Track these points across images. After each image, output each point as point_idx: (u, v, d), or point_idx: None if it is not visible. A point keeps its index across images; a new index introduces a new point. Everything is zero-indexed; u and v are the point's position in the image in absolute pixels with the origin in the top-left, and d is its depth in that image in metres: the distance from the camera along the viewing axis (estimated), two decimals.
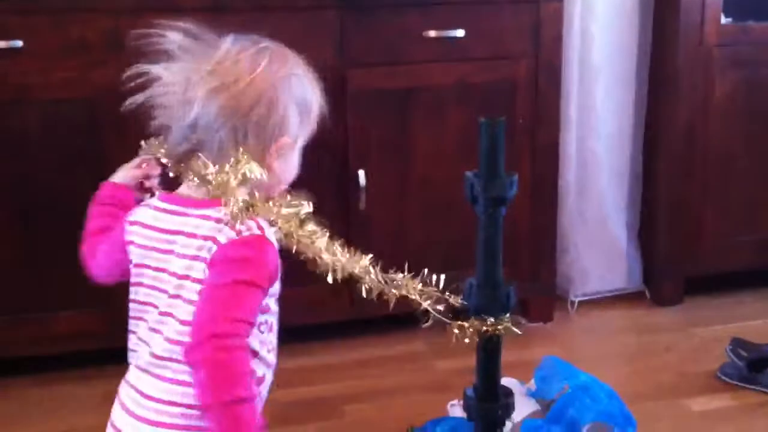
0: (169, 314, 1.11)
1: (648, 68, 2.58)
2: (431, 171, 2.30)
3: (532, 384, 1.93)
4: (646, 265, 2.67)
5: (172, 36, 1.17)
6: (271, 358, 1.20)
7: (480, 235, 1.12)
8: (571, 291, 2.62)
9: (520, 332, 1.11)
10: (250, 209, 1.07)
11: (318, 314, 2.29)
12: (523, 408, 1.82)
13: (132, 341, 1.16)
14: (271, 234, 1.11)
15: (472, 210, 1.19)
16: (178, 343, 1.10)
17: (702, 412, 2.04)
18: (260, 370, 1.16)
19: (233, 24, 2.05)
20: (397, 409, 2.05)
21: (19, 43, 1.99)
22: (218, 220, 1.10)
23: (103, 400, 2.04)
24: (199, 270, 1.09)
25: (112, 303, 2.14)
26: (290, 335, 2.46)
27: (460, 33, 2.23)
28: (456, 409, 1.88)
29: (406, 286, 1.12)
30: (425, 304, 1.12)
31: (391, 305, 1.12)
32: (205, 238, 1.09)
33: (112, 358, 2.17)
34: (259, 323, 1.14)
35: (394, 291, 1.12)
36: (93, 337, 2.17)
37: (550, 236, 2.47)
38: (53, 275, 2.13)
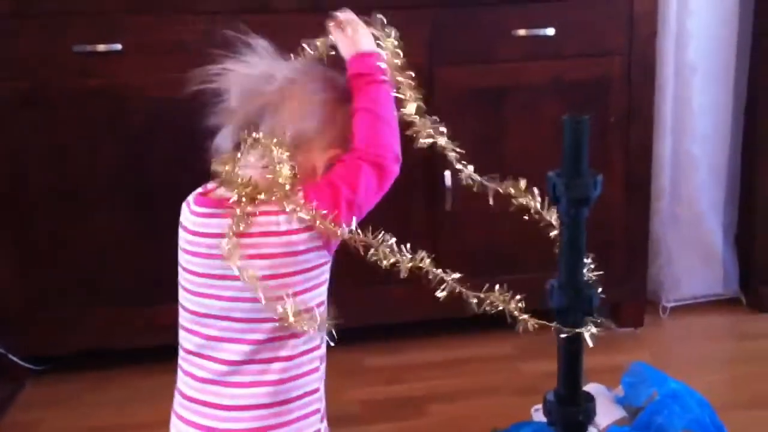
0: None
1: (747, 66, 2.49)
2: (522, 171, 2.26)
3: (620, 390, 1.89)
4: (743, 270, 2.58)
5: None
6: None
7: (562, 237, 1.10)
8: (663, 296, 2.55)
9: (591, 342, 1.08)
10: None
11: (402, 313, 2.30)
12: (610, 414, 1.78)
13: None
14: None
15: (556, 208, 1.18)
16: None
17: None
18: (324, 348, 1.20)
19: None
20: (481, 411, 2.04)
21: (119, 46, 2.07)
22: None
23: None
24: None
25: None
26: (375, 334, 2.48)
27: (550, 32, 2.20)
28: (540, 414, 1.85)
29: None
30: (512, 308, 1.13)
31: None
32: None
33: None
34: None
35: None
36: None
37: (642, 238, 2.41)
38: (159, 267, 2.19)
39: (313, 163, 1.18)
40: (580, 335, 1.11)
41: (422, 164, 2.22)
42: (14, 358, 2.16)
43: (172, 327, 2.19)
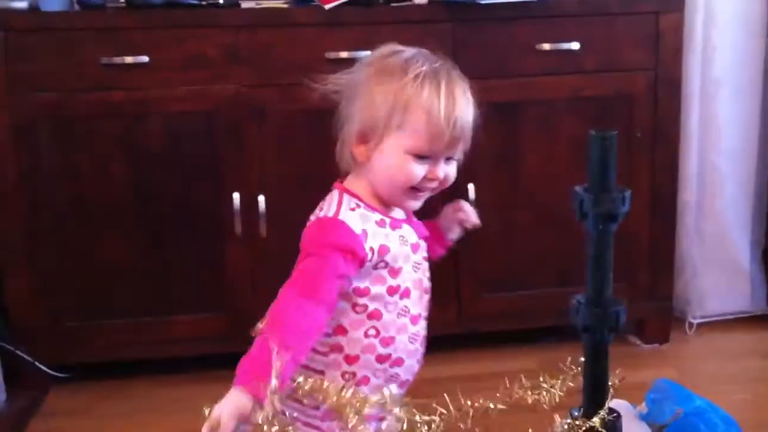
0: None
1: None
2: (542, 185, 2.27)
3: (643, 407, 1.87)
4: None
5: None
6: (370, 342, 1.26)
7: (589, 253, 1.09)
8: (690, 312, 2.52)
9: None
10: None
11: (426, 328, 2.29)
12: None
13: None
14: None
15: (582, 224, 1.16)
16: None
17: None
18: (352, 349, 1.26)
19: (348, 39, 2.13)
20: (506, 429, 2.02)
21: (146, 59, 2.08)
22: None
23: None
24: None
25: (230, 308, 2.22)
26: None
27: (575, 46, 2.19)
28: None
29: None
30: None
31: None
32: None
33: (229, 361, 2.21)
34: (353, 303, 1.23)
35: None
36: (211, 341, 2.24)
37: (668, 254, 2.40)
38: (174, 279, 2.21)
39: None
40: (605, 353, 1.10)
41: None
42: (41, 366, 2.18)
43: (185, 339, 2.22)
